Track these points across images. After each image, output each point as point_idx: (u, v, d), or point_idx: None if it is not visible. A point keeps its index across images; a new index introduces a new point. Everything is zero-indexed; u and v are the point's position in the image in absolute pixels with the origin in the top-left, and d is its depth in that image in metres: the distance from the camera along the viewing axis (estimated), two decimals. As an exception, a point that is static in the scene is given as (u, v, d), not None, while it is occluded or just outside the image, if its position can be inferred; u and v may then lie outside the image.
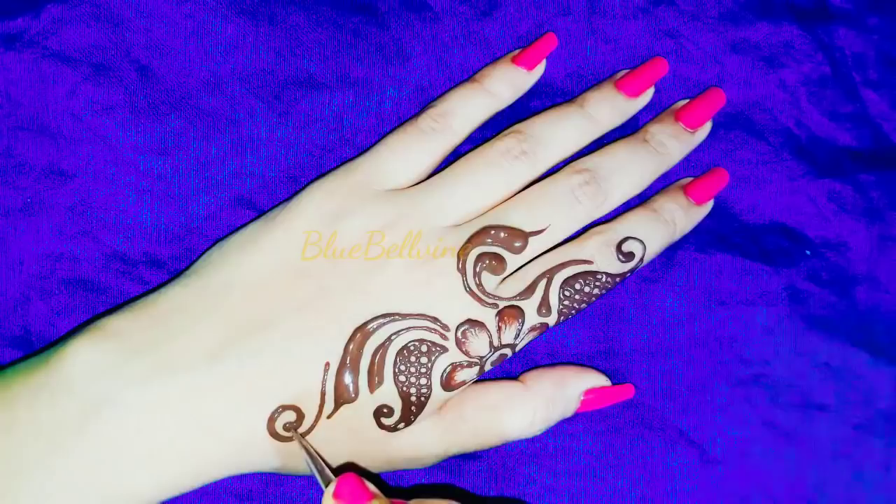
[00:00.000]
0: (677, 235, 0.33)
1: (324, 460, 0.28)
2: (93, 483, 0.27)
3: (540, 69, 0.33)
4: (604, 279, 0.31)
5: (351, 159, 0.32)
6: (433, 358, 0.29)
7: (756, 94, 0.35)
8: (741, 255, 0.34)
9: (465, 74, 0.34)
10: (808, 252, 0.34)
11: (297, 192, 0.32)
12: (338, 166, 0.32)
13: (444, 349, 0.29)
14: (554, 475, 0.34)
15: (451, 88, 0.33)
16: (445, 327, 0.29)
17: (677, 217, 0.33)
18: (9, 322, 0.33)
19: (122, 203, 0.33)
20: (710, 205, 0.34)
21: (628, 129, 0.34)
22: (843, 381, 0.34)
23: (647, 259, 0.32)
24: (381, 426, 0.29)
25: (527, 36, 0.34)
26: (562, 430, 0.34)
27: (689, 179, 0.34)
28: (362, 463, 0.30)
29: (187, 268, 0.31)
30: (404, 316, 0.29)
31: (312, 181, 0.32)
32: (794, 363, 0.34)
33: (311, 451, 0.28)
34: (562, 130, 0.32)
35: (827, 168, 0.35)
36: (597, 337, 0.34)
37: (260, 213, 0.33)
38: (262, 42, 0.34)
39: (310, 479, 0.32)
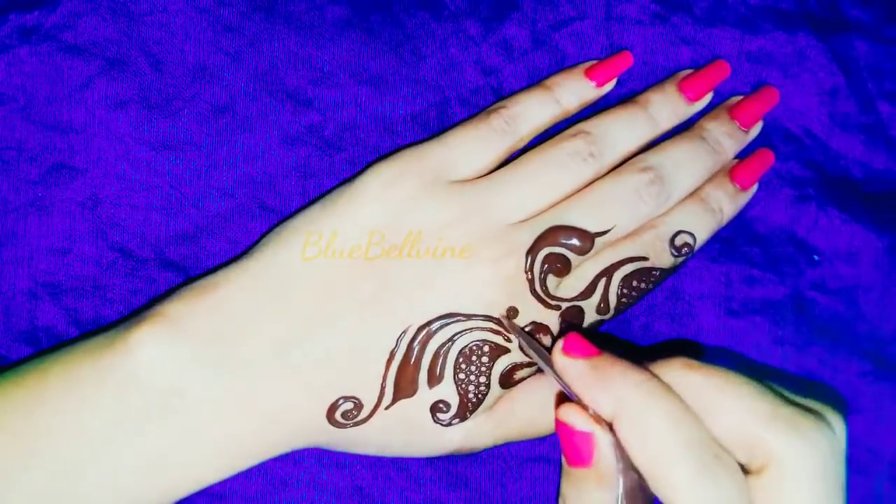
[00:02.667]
0: (723, 223, 0.33)
1: (536, 340, 0.29)
2: (158, 468, 0.27)
3: (609, 86, 0.33)
4: (658, 275, 0.31)
5: (413, 144, 0.31)
6: (495, 358, 0.29)
7: (770, 103, 0.35)
8: (749, 264, 0.34)
9: (481, 75, 0.34)
10: (816, 257, 0.34)
11: (357, 174, 0.31)
12: (399, 149, 0.31)
13: (507, 350, 0.29)
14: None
15: (522, 90, 0.33)
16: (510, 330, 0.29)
17: (724, 205, 0.33)
18: (16, 317, 0.32)
19: (133, 200, 0.33)
20: (754, 189, 0.34)
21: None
22: (848, 390, 0.34)
23: (695, 250, 0.32)
24: (437, 420, 0.29)
25: (543, 37, 0.34)
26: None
27: (735, 161, 0.34)
28: (413, 451, 0.30)
29: (245, 251, 0.31)
30: (469, 317, 0.29)
31: (373, 163, 0.31)
32: (801, 372, 0.34)
33: (525, 337, 0.29)
34: (627, 133, 0.32)
35: (837, 177, 0.35)
36: (603, 346, 0.34)
37: (271, 212, 0.33)
38: (277, 40, 0.33)
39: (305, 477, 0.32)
